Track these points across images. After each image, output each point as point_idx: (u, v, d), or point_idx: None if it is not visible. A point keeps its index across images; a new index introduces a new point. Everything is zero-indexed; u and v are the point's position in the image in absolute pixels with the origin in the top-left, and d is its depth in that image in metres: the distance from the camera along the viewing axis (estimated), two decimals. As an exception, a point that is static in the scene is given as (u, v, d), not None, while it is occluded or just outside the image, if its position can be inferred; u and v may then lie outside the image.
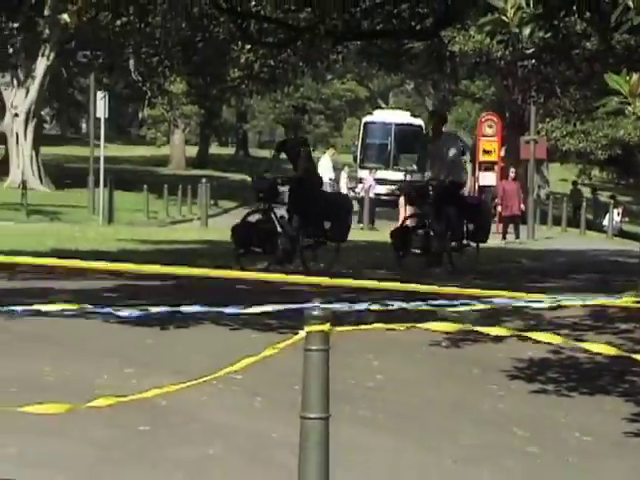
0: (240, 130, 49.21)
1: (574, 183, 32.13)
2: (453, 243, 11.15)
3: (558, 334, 4.03)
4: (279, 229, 10.37)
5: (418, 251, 10.94)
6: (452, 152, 11.43)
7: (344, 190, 25.73)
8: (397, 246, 10.95)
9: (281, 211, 10.66)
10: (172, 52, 15.25)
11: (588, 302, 4.33)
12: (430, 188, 11.25)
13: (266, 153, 35.86)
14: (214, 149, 47.69)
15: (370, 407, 5.51)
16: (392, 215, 23.28)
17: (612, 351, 3.17)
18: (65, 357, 6.77)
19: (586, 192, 31.72)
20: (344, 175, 28.32)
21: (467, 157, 28.66)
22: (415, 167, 25.63)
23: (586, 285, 10.89)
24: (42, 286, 9.02)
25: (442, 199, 11.01)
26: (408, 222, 12.01)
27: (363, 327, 3.66)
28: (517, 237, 21.58)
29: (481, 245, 12.10)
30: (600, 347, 3.31)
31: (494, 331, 3.33)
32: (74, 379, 5.86)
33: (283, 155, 11.58)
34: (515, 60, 13.84)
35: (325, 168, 25.08)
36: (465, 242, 11.39)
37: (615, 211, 26.39)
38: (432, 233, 11.01)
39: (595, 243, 21.23)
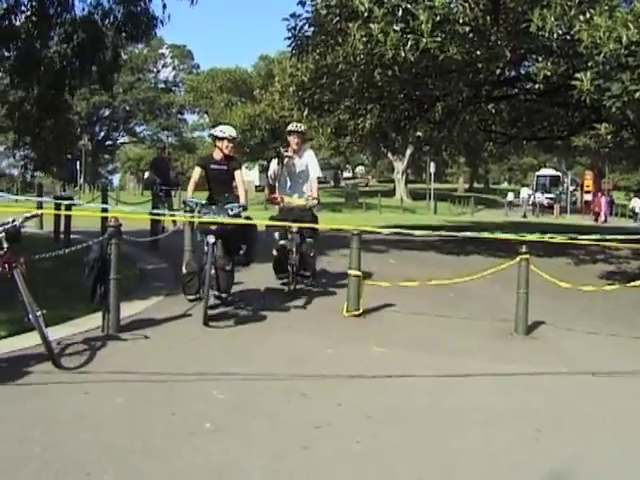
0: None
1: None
2: None
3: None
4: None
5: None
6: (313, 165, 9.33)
7: (525, 196, 45.67)
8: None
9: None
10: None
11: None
12: None
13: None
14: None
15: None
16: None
17: None
18: (420, 265, 10.78)
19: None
20: (525, 191, 48.78)
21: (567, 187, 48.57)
22: (557, 192, 46.72)
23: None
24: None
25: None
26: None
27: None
28: (603, 221, 37.42)
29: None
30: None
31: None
32: (409, 275, 8.78)
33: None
34: (600, 147, 19.43)
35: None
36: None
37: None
38: None
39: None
